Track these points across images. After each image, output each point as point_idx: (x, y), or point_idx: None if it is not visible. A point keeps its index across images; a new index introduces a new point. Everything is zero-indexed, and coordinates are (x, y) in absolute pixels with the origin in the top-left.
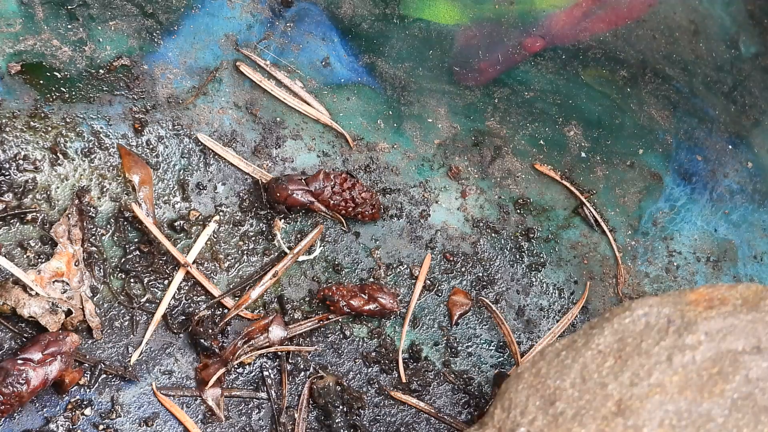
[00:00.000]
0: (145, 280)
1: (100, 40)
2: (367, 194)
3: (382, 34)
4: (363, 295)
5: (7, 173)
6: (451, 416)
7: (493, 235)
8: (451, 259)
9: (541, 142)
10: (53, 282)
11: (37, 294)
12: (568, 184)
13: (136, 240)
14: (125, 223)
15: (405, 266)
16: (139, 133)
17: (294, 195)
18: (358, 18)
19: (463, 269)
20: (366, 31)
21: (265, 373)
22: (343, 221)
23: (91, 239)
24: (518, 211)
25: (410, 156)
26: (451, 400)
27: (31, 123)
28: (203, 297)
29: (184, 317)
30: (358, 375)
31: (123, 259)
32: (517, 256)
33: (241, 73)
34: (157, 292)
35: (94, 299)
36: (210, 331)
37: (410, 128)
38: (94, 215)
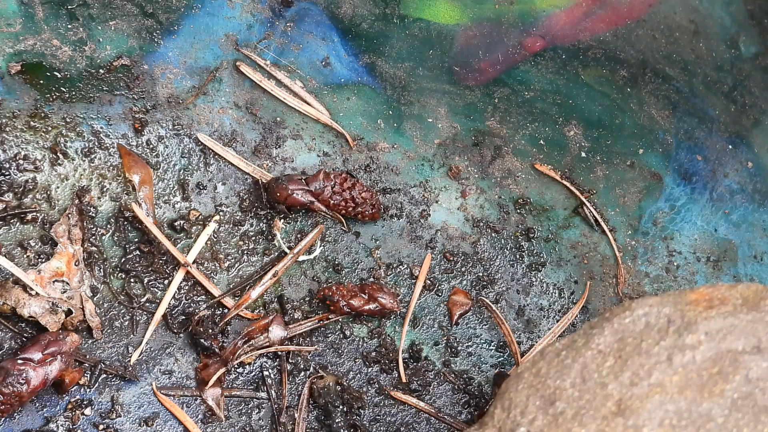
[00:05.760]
0: (145, 280)
1: (100, 40)
2: (367, 194)
3: (382, 34)
4: (363, 295)
5: (7, 173)
6: (451, 416)
7: (493, 234)
8: (451, 258)
9: (541, 142)
10: (53, 282)
11: (37, 294)
12: (568, 184)
13: (136, 240)
14: (125, 223)
15: (405, 266)
16: (139, 133)
17: (294, 195)
18: (358, 18)
19: (463, 269)
20: (366, 31)
21: (265, 373)
22: (343, 221)
23: (91, 239)
24: (518, 211)
25: (410, 156)
26: (451, 399)
27: (31, 123)
28: (203, 297)
29: (184, 317)
30: (358, 375)
31: (123, 259)
32: (517, 256)
33: (241, 73)
34: (157, 292)
35: (94, 299)
36: (210, 331)
37: (410, 128)
38: (94, 215)
